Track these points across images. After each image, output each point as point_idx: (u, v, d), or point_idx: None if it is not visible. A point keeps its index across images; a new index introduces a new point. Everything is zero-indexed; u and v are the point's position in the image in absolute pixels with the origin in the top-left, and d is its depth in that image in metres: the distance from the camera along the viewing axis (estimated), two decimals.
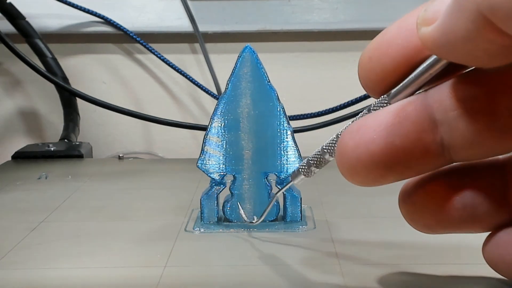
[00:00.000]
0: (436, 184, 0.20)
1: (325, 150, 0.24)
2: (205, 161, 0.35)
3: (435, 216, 0.21)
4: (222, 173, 0.35)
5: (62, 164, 0.55)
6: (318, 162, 0.24)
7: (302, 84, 0.71)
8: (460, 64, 0.16)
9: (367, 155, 0.18)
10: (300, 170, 0.26)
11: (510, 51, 0.15)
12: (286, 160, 0.34)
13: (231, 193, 0.35)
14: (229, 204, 0.35)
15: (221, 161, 0.35)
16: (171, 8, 0.68)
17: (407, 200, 0.21)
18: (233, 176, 0.35)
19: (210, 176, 0.35)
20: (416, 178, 0.21)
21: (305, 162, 0.26)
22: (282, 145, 0.34)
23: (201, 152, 0.35)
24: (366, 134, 0.18)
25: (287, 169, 0.35)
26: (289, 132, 0.34)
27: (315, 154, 0.25)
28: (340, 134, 0.21)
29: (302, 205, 0.36)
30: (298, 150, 0.34)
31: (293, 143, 0.34)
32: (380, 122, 0.18)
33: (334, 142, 0.23)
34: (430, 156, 0.18)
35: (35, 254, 0.32)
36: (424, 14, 0.16)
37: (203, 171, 0.35)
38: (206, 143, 0.35)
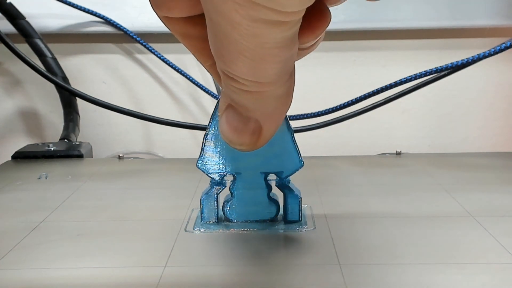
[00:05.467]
0: None
1: None
2: (205, 161, 0.35)
3: None
4: (222, 173, 0.35)
5: (62, 164, 0.55)
6: None
7: (302, 84, 0.71)
8: None
9: None
10: None
11: None
12: (286, 160, 0.34)
13: (231, 193, 0.35)
14: (229, 204, 0.35)
15: (221, 161, 0.35)
16: None
17: None
18: (233, 176, 0.35)
19: (210, 176, 0.35)
20: None
21: None
22: (282, 145, 0.34)
23: (201, 152, 0.35)
24: None
25: (287, 169, 0.34)
26: (289, 132, 0.34)
27: None
28: None
29: (302, 205, 0.36)
30: (298, 150, 0.34)
31: (293, 143, 0.34)
32: None
33: None
34: None
35: (35, 254, 0.32)
36: None
37: (203, 171, 0.35)
38: (206, 143, 0.34)
